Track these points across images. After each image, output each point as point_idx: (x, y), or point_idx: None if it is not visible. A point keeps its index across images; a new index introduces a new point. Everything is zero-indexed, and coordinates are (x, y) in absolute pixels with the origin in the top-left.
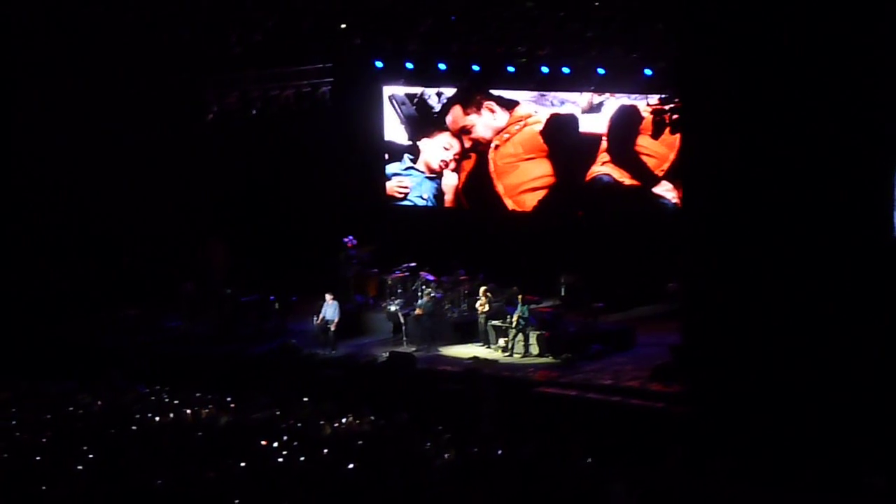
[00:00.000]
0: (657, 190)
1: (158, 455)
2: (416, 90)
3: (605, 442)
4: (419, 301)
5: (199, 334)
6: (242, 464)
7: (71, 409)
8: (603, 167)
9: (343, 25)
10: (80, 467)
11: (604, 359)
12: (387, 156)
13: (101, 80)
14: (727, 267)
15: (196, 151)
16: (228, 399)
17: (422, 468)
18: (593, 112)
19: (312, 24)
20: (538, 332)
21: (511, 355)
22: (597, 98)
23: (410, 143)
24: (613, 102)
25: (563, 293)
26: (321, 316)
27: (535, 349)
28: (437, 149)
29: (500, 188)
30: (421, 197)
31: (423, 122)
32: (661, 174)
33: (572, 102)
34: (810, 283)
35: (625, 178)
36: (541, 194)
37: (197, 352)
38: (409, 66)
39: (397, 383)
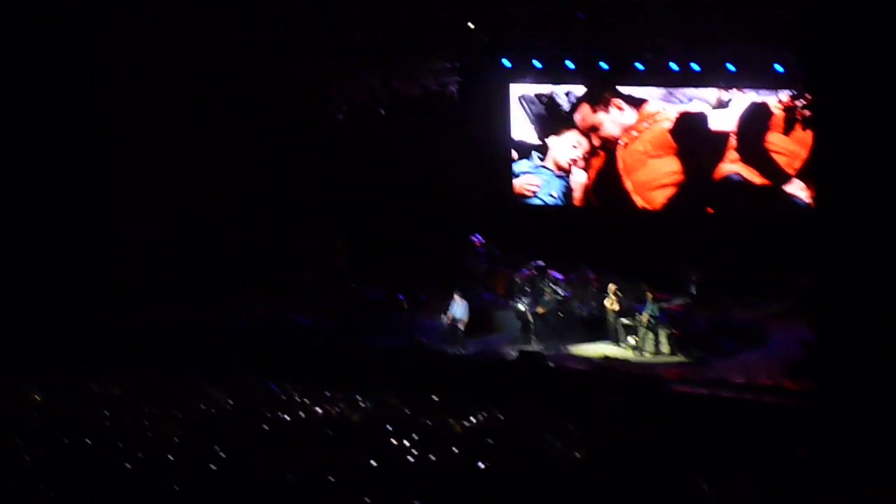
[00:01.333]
0: (789, 188)
1: (288, 453)
2: (545, 89)
3: (737, 440)
4: (542, 299)
5: (325, 330)
6: (373, 462)
7: (201, 406)
8: (732, 165)
9: (471, 24)
10: (212, 466)
11: (736, 356)
12: (515, 154)
13: (229, 75)
14: (861, 263)
15: (323, 148)
16: (359, 397)
17: (551, 466)
18: (722, 109)
19: (440, 21)
20: (669, 330)
21: (642, 354)
22: (725, 95)
23: (539, 141)
24: (743, 99)
25: (693, 290)
26: (450, 314)
27: (665, 347)
28: (566, 147)
29: (628, 185)
30: (550, 195)
31: (552, 120)
32: (792, 172)
33: (701, 99)
34: None
35: (755, 177)
36: (670, 191)
37: (323, 347)
38: (538, 64)
39: (527, 381)
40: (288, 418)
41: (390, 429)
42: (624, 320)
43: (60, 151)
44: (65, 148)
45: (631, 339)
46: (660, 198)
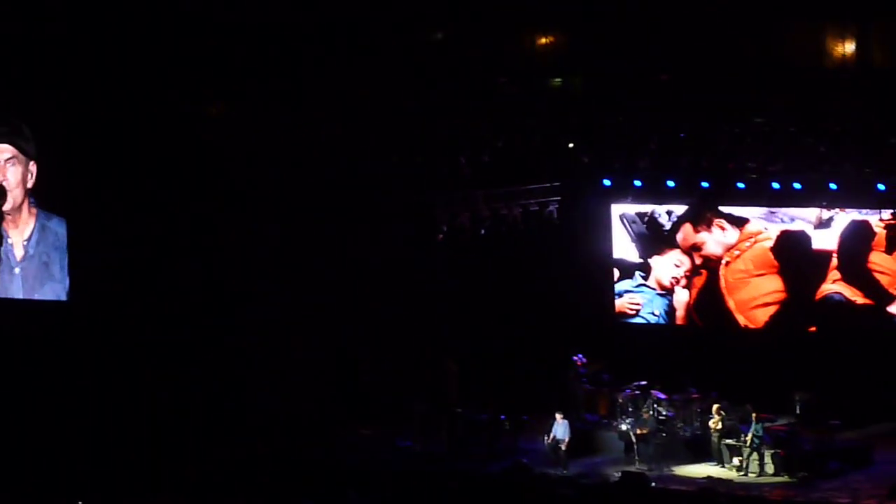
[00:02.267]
0: (892, 309)
1: None
2: (647, 209)
3: None
4: (644, 419)
5: (432, 453)
6: None
7: None
8: (834, 285)
9: (571, 144)
10: None
11: (841, 477)
12: (617, 273)
13: (335, 200)
14: None
15: (428, 270)
16: None
17: None
18: (823, 228)
19: (541, 142)
20: (773, 451)
21: (746, 474)
22: (826, 213)
23: (641, 260)
24: (843, 218)
25: (797, 410)
26: (552, 435)
27: (769, 468)
28: (668, 266)
29: (731, 304)
30: (653, 313)
31: (654, 239)
32: (895, 292)
33: (802, 219)
34: None
35: (857, 297)
36: (772, 310)
37: (430, 471)
38: (638, 183)
39: (631, 503)
40: None
41: None
42: (728, 440)
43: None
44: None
45: (735, 460)
46: (762, 316)
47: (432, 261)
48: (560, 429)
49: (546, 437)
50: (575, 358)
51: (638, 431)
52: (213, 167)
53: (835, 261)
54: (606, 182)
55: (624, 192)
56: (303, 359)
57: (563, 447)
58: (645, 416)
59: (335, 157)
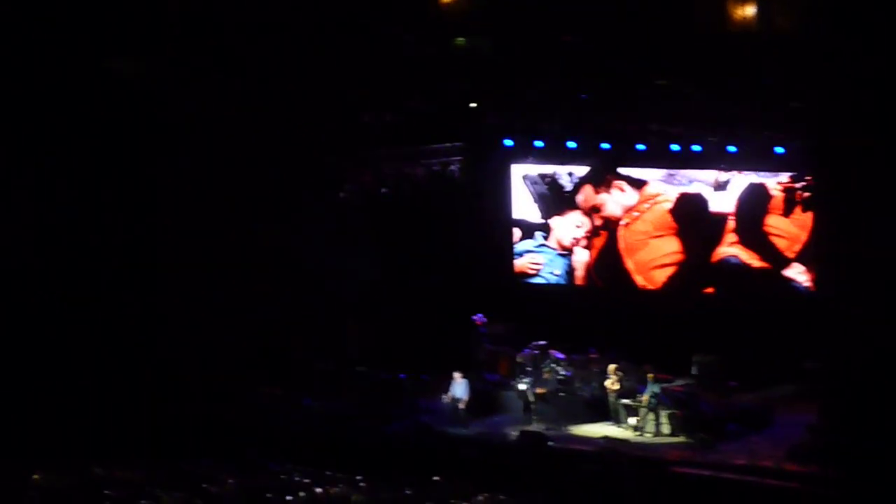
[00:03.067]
0: (788, 273)
1: None
2: (549, 170)
3: None
4: (544, 379)
5: (334, 412)
6: None
7: (205, 486)
8: (730, 248)
9: (474, 105)
10: None
11: (739, 439)
12: (519, 233)
13: (243, 158)
14: (866, 346)
15: (330, 229)
16: (359, 478)
17: None
18: (720, 190)
19: (444, 102)
20: (670, 412)
21: (642, 435)
22: (723, 176)
23: (542, 221)
24: (741, 180)
25: (695, 372)
26: (451, 394)
27: (666, 428)
28: (569, 226)
29: (629, 265)
30: (553, 273)
31: (555, 200)
32: (792, 256)
33: (700, 181)
34: None
35: (753, 260)
36: (670, 271)
37: (333, 430)
38: (539, 144)
39: (529, 462)
40: (288, 498)
41: None
42: (625, 401)
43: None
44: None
45: (632, 420)
46: (660, 277)
47: (334, 219)
48: (459, 388)
49: (445, 397)
50: (475, 318)
51: (537, 391)
52: (122, 133)
53: (732, 223)
54: (508, 143)
55: (526, 152)
56: (208, 320)
57: (462, 406)
58: (544, 376)
59: (239, 117)
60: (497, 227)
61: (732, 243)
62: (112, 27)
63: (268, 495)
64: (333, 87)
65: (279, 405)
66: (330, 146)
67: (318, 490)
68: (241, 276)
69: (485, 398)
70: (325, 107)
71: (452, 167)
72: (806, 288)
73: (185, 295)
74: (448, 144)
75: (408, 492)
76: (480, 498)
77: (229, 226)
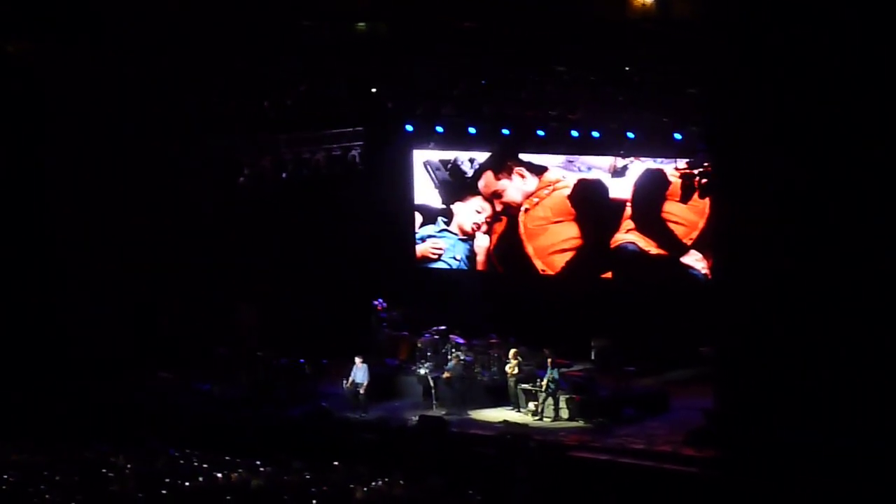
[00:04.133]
0: (686, 260)
1: None
2: (450, 156)
3: None
4: (448, 364)
5: (232, 398)
6: None
7: (104, 471)
8: (627, 235)
9: (374, 89)
10: None
11: (636, 423)
12: (421, 218)
13: (136, 142)
14: (762, 332)
15: (229, 214)
16: (258, 463)
17: None
18: (618, 176)
19: (345, 88)
20: (568, 396)
21: (541, 419)
22: (621, 162)
23: (444, 206)
24: (638, 166)
25: (594, 357)
26: (351, 379)
27: (565, 413)
28: (470, 212)
29: (529, 250)
30: (454, 258)
31: (457, 186)
32: (689, 243)
33: (598, 168)
34: (847, 344)
35: (651, 247)
36: (569, 256)
37: (230, 415)
38: (440, 129)
39: (429, 447)
40: (187, 484)
41: (290, 495)
42: (524, 385)
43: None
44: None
45: (531, 405)
46: (559, 262)
47: (234, 204)
48: (359, 373)
49: (345, 381)
50: (375, 303)
51: (445, 376)
52: (14, 108)
53: (629, 210)
54: (409, 128)
55: (426, 138)
56: (102, 302)
57: (363, 391)
58: (452, 361)
59: (138, 99)
60: (398, 213)
61: (629, 230)
62: None
63: (167, 480)
64: (232, 71)
65: (174, 390)
66: (229, 131)
67: (218, 475)
68: (133, 261)
69: (385, 383)
70: (224, 91)
71: (353, 152)
72: (703, 275)
73: (74, 279)
74: (349, 129)
75: (307, 476)
76: (380, 482)
77: (121, 209)
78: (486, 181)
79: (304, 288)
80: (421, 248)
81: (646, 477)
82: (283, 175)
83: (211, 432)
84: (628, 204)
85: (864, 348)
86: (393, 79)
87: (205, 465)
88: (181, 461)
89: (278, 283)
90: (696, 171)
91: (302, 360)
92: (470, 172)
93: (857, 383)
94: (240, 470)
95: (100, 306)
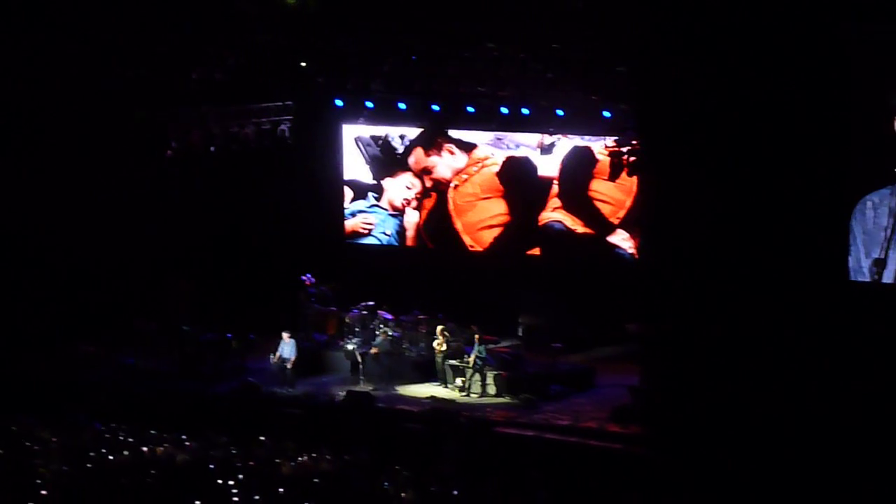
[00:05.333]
0: (612, 239)
1: (114, 493)
2: (381, 132)
3: (563, 482)
4: (375, 340)
5: (158, 371)
6: (198, 502)
7: (28, 444)
8: (554, 213)
9: (304, 64)
10: None
11: (563, 399)
12: (351, 194)
13: (60, 113)
14: (687, 309)
15: (157, 188)
16: (184, 437)
17: None
18: (546, 154)
19: (274, 62)
20: (496, 372)
21: (468, 395)
22: (548, 139)
23: (375, 182)
24: (566, 143)
25: (521, 333)
26: (278, 354)
27: (492, 389)
28: (400, 188)
29: (458, 226)
30: (384, 233)
31: (387, 162)
32: (616, 222)
33: (526, 145)
34: (769, 325)
35: (577, 226)
36: (497, 232)
37: (157, 389)
38: (370, 105)
39: (355, 422)
40: (112, 458)
41: (216, 469)
42: (452, 361)
43: None
44: None
45: (458, 381)
46: (487, 238)
47: (163, 178)
48: (287, 348)
49: (272, 357)
50: (303, 278)
51: (370, 351)
52: None
53: (556, 188)
54: (339, 103)
55: (356, 113)
56: (27, 275)
57: (290, 366)
58: (379, 336)
59: (63, 70)
60: (328, 188)
61: (556, 208)
62: None
63: (92, 454)
64: (160, 44)
65: (97, 363)
66: (157, 104)
67: (144, 449)
68: (58, 234)
69: (312, 358)
70: (152, 64)
71: (283, 126)
72: (630, 255)
73: None
74: (278, 103)
75: (233, 451)
76: (306, 457)
77: (45, 182)
78: (417, 157)
79: (232, 262)
80: (351, 223)
81: (571, 453)
82: (212, 149)
83: (136, 406)
84: (555, 182)
85: (788, 326)
86: (323, 53)
87: (130, 440)
88: (107, 435)
89: (206, 258)
90: (624, 150)
91: (229, 335)
92: (400, 149)
93: (781, 360)
94: (165, 444)
95: (24, 279)
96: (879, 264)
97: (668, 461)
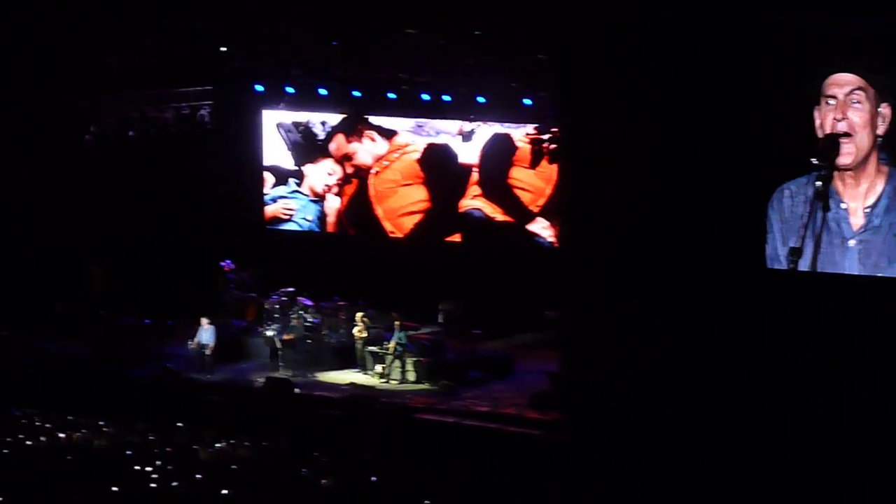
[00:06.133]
0: (532, 227)
1: (31, 479)
2: (302, 118)
3: (482, 469)
4: (291, 326)
5: (76, 356)
6: (115, 488)
7: None
8: (474, 201)
9: (224, 48)
10: None
11: (482, 386)
12: (273, 179)
13: None
14: (605, 296)
15: (75, 172)
16: (102, 423)
17: (299, 494)
18: (466, 141)
19: (194, 46)
20: (416, 359)
21: (388, 382)
22: (468, 126)
23: (296, 167)
24: (486, 130)
25: (441, 320)
26: (197, 340)
27: (412, 375)
28: (322, 174)
29: (379, 212)
30: (305, 219)
31: (309, 148)
32: (536, 210)
33: (446, 132)
34: (687, 311)
35: (497, 214)
36: (417, 218)
37: (74, 374)
38: (290, 90)
39: (274, 408)
40: (29, 443)
41: (133, 455)
42: (372, 348)
43: None
44: None
45: (378, 367)
46: (407, 224)
47: (82, 162)
48: (205, 334)
49: (191, 343)
50: (223, 263)
51: (284, 338)
52: None
53: (475, 175)
54: (259, 88)
55: (277, 98)
56: None
57: (209, 352)
58: (293, 322)
59: None
60: (248, 173)
61: (476, 196)
62: None
63: (8, 440)
64: (76, 27)
65: (9, 347)
66: (74, 88)
67: (61, 435)
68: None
69: (231, 344)
70: (69, 47)
71: (202, 111)
72: (550, 243)
73: None
74: (198, 88)
75: (151, 438)
76: (225, 444)
77: None
78: (338, 144)
79: (151, 247)
80: (272, 209)
81: (490, 439)
82: (131, 133)
83: (53, 392)
84: (475, 169)
85: (705, 313)
86: (242, 38)
87: (47, 425)
88: (23, 421)
89: (125, 243)
90: (545, 137)
91: (147, 321)
92: (322, 135)
93: (699, 346)
94: (83, 430)
95: None
96: (796, 253)
97: (586, 447)
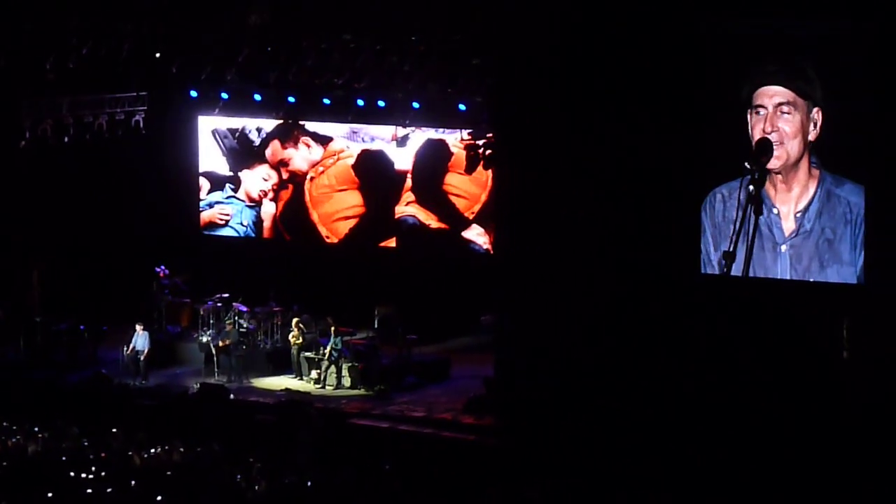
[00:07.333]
0: (467, 234)
1: None
2: (238, 124)
3: (417, 474)
4: (226, 331)
5: (9, 361)
6: (50, 494)
7: None
8: (408, 207)
9: (158, 54)
10: None
11: (417, 391)
12: (209, 185)
13: None
14: (540, 301)
15: (10, 177)
16: (36, 429)
17: (233, 499)
18: (400, 146)
19: (128, 51)
20: (351, 364)
21: (323, 387)
22: (402, 131)
23: (232, 173)
24: (420, 136)
25: (376, 325)
26: (131, 346)
27: (347, 381)
28: (257, 179)
29: (314, 217)
30: (241, 224)
31: (244, 154)
32: (471, 216)
33: (380, 138)
34: (621, 316)
35: (431, 221)
36: (352, 223)
37: (8, 380)
38: (225, 96)
39: (208, 414)
40: None
41: (67, 461)
42: (307, 353)
43: None
44: None
45: (314, 373)
46: (342, 229)
47: (15, 167)
48: (140, 340)
49: (126, 348)
50: (158, 269)
51: (219, 343)
52: None
53: (409, 181)
54: (193, 93)
55: (212, 104)
56: None
57: (143, 358)
58: (227, 328)
59: None
60: (183, 179)
61: (410, 202)
62: None
63: None
64: (10, 31)
65: None
66: (9, 92)
67: None
68: None
69: (166, 350)
70: (6, 50)
71: (137, 117)
72: (485, 250)
73: None
74: (132, 94)
75: (85, 443)
76: (159, 449)
77: None
78: (273, 150)
79: (86, 253)
80: (207, 214)
81: (425, 444)
82: (66, 139)
83: None
84: (409, 175)
85: (639, 318)
86: (177, 43)
87: None
88: None
89: (59, 247)
90: (479, 143)
91: (82, 326)
92: (257, 141)
93: (633, 351)
94: (17, 437)
95: None
96: (728, 257)
97: (521, 452)
